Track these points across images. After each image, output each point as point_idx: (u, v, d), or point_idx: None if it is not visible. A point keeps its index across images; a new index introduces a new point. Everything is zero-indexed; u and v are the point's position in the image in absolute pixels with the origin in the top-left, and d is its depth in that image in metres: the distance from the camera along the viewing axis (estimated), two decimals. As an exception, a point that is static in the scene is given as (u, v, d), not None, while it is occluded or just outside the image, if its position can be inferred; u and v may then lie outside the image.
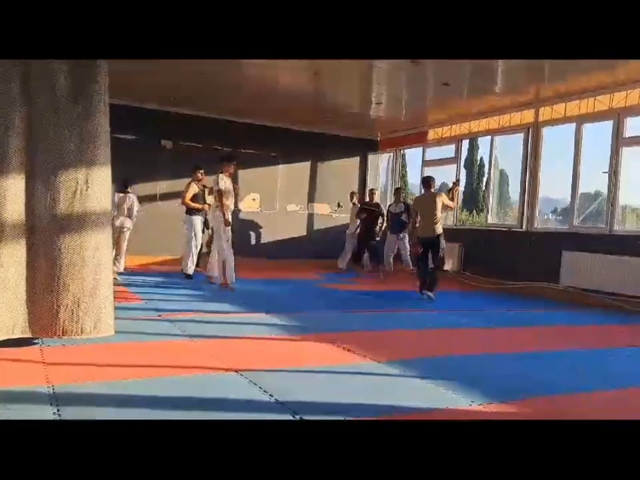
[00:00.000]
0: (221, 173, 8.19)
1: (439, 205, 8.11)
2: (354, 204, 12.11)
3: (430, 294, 8.09)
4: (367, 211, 11.82)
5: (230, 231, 8.13)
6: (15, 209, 4.06)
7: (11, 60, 4.02)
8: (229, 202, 8.15)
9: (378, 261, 11.51)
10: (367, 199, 12.55)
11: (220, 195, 8.03)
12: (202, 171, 9.29)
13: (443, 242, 8.14)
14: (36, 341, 4.41)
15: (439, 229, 8.10)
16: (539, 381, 4.09)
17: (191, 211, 9.21)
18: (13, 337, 4.13)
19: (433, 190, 8.40)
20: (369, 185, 13.91)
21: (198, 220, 9.12)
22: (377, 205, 12.20)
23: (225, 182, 8.12)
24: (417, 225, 8.38)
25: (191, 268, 9.19)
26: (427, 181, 8.54)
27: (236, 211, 12.07)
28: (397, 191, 11.78)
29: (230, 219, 8.10)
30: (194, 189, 9.16)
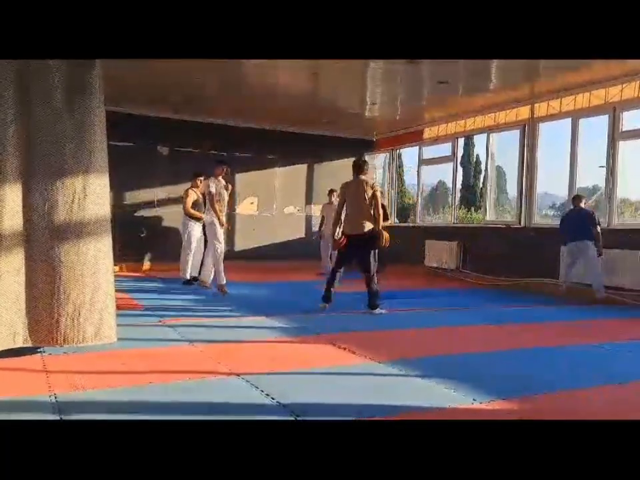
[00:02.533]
0: (213, 177, 8.35)
1: (371, 196, 6.67)
2: (331, 202, 11.26)
3: (376, 311, 6.73)
4: None
5: (221, 235, 8.21)
6: (13, 219, 4.06)
7: (5, 70, 4.02)
8: (220, 205, 8.24)
9: (383, 264, 11.56)
10: None
11: (210, 198, 8.17)
12: (201, 179, 9.25)
13: (379, 242, 6.68)
14: (38, 349, 4.41)
15: (370, 225, 6.66)
16: (540, 378, 4.10)
17: (189, 217, 9.23)
18: (15, 347, 4.14)
19: (364, 177, 6.87)
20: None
21: (195, 225, 9.11)
22: (383, 206, 12.15)
23: (216, 185, 8.27)
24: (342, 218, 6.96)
25: (188, 273, 9.18)
26: (357, 165, 6.93)
27: (234, 215, 12.14)
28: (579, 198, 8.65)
29: (224, 221, 8.22)
30: (193, 196, 9.16)
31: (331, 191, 11.55)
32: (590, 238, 7.96)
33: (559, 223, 8.70)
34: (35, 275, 4.16)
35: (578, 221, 8.23)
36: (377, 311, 6.76)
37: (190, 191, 9.23)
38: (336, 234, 7.01)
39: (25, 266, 4.14)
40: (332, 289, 6.80)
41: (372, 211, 6.69)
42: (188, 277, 9.13)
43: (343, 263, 6.85)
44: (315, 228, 13.00)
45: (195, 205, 9.11)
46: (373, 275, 6.70)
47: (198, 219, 9.00)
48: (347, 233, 6.78)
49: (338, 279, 6.82)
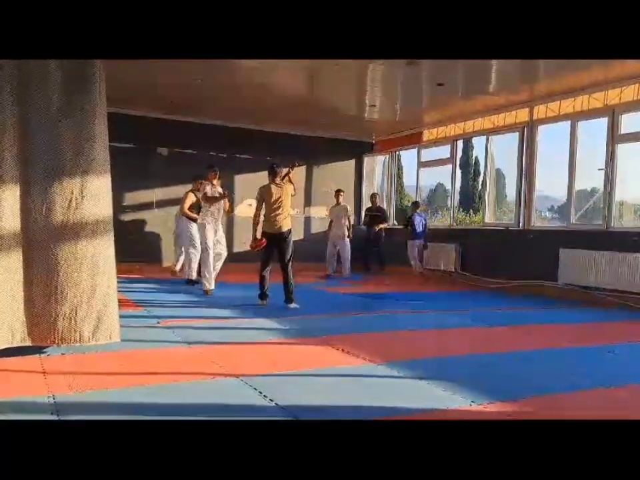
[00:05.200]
0: (208, 182, 8.69)
1: (289, 197, 7.33)
2: (339, 203, 11.43)
3: (292, 305, 7.19)
4: (370, 217, 11.83)
5: (210, 238, 8.45)
6: (11, 219, 4.06)
7: (5, 71, 4.02)
8: (214, 207, 8.54)
9: (383, 265, 11.61)
10: (370, 204, 12.53)
11: (204, 196, 8.54)
12: (201, 181, 9.37)
13: (290, 239, 7.30)
14: (37, 350, 4.40)
15: (289, 224, 7.29)
16: (538, 380, 4.09)
17: (188, 218, 9.28)
18: (13, 346, 4.13)
19: (279, 179, 7.39)
20: (365, 187, 13.94)
21: (195, 226, 9.16)
22: (380, 209, 12.19)
23: (211, 189, 8.60)
24: (261, 217, 7.35)
25: (192, 274, 9.26)
26: (272, 169, 7.39)
27: (232, 217, 12.17)
28: (415, 204, 11.88)
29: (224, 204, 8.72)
30: (192, 198, 9.23)
31: (338, 192, 11.51)
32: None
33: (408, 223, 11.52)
34: (33, 275, 4.16)
35: (420, 223, 11.38)
36: (293, 305, 7.21)
37: (190, 193, 9.34)
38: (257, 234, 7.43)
39: (22, 266, 4.14)
40: (265, 287, 7.40)
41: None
42: (193, 277, 9.24)
43: (267, 259, 7.40)
44: (316, 230, 13.07)
45: (193, 207, 9.18)
46: (288, 270, 7.26)
47: (194, 220, 9.04)
48: (267, 232, 7.28)
49: (268, 277, 7.42)
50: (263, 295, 7.42)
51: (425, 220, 11.73)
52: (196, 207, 9.15)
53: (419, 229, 11.38)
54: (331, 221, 11.67)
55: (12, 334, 4.11)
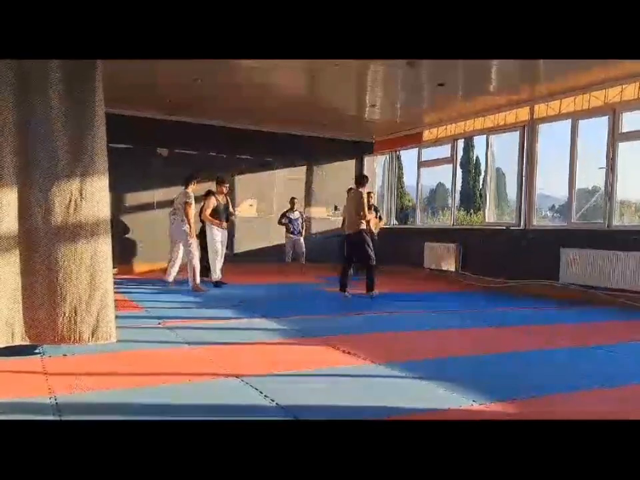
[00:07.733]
0: (186, 188, 8.88)
1: (363, 203, 8.31)
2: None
3: (372, 293, 8.37)
4: None
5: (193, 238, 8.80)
6: (11, 220, 4.06)
7: (5, 71, 4.02)
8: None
9: (376, 265, 11.55)
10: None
11: (186, 206, 8.75)
12: (227, 185, 9.43)
13: (367, 239, 8.35)
14: (37, 351, 4.41)
15: (363, 225, 8.35)
16: (538, 380, 4.09)
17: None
18: (13, 344, 4.14)
19: (362, 189, 8.50)
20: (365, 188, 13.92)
21: (214, 229, 9.12)
22: (374, 208, 12.16)
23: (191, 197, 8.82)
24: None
25: (217, 275, 9.29)
26: (358, 179, 8.71)
27: (233, 217, 12.17)
28: (292, 200, 12.05)
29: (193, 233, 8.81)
30: (213, 202, 9.17)
31: (350, 190, 11.35)
32: None
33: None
34: (33, 275, 4.16)
35: (297, 221, 11.87)
36: (373, 292, 8.37)
37: (212, 197, 9.22)
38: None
39: (22, 266, 4.14)
40: (346, 280, 8.46)
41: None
42: (217, 278, 9.24)
43: (350, 258, 8.71)
44: (316, 230, 13.04)
45: (216, 211, 9.14)
46: (369, 266, 8.40)
47: (219, 226, 9.08)
48: (346, 233, 8.55)
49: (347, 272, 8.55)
50: (343, 285, 8.44)
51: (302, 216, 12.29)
52: (219, 212, 9.19)
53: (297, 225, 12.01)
54: (344, 219, 11.60)
55: (12, 333, 4.12)
